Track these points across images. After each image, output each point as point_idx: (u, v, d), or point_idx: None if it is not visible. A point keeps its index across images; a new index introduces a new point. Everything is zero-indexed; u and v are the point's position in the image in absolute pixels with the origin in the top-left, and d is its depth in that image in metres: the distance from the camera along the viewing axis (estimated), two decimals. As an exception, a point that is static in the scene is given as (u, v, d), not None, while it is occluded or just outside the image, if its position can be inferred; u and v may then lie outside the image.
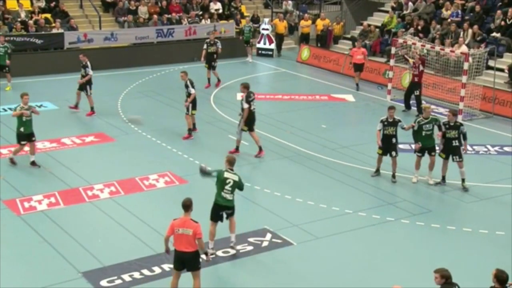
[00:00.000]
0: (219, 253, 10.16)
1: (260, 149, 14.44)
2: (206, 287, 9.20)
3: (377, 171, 13.46)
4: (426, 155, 13.12)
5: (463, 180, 12.82)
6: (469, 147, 14.97)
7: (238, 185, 10.04)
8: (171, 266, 8.98)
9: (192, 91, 15.18)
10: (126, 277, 9.40)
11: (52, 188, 12.43)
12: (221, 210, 10.07)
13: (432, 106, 18.79)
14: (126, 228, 10.93)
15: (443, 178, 13.07)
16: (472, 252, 10.53)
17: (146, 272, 9.53)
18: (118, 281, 9.31)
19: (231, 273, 9.68)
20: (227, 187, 9.92)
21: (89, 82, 16.99)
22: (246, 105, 14.12)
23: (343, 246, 10.64)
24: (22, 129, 13.27)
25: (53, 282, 9.23)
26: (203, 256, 8.65)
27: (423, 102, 17.34)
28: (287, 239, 10.71)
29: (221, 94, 19.82)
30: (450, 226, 11.46)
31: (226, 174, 9.95)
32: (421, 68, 18.01)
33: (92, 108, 17.14)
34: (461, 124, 12.97)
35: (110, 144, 15.01)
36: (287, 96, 19.79)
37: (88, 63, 17.10)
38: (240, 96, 14.83)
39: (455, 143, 12.76)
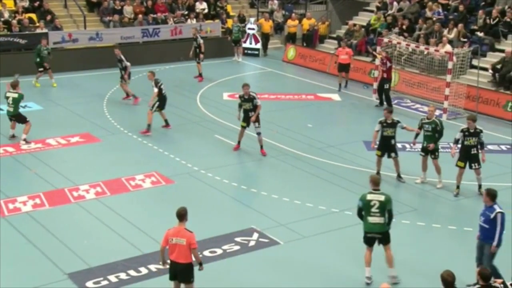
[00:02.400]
0: (206, 252, 10.15)
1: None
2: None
3: (378, 174, 13.30)
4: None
5: (479, 187, 12.57)
6: (452, 145, 15.11)
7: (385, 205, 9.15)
8: (158, 266, 8.94)
9: (155, 90, 15.40)
10: (112, 278, 9.35)
11: (37, 189, 12.34)
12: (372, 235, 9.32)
13: (417, 105, 19.09)
14: (112, 229, 10.88)
15: (458, 187, 12.66)
16: (458, 250, 10.62)
17: (132, 272, 9.50)
18: (104, 282, 9.26)
19: (218, 273, 9.67)
20: (373, 209, 9.15)
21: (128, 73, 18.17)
22: (259, 102, 14.25)
23: (330, 245, 10.67)
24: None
25: (39, 284, 9.16)
26: (198, 267, 8.35)
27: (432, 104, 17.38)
28: (274, 238, 10.72)
29: (207, 93, 19.80)
30: (435, 224, 11.55)
31: (369, 196, 9.26)
32: (388, 64, 18.43)
33: (134, 95, 18.34)
34: (481, 131, 12.40)
35: (96, 145, 14.94)
36: (274, 96, 19.81)
37: (122, 56, 18.06)
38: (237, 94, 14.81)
39: (474, 150, 12.35)
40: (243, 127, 14.49)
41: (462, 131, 12.49)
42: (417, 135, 13.12)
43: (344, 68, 20.83)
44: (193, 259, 8.26)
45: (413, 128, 13.54)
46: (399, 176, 13.29)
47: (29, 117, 16.95)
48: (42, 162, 13.72)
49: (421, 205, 12.46)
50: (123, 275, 9.43)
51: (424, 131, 12.95)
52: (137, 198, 12.25)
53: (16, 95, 14.73)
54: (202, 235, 10.63)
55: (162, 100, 15.62)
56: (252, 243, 10.54)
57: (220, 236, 10.67)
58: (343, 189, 12.87)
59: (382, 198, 9.18)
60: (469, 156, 12.48)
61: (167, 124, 16.02)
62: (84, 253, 10.02)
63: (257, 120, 14.28)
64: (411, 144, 13.73)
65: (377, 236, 9.29)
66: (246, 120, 14.35)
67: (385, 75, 18.56)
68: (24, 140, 14.66)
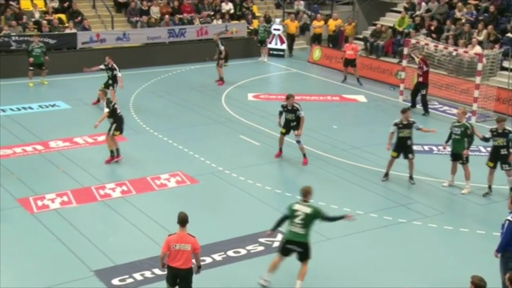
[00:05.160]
0: (230, 253, 10.16)
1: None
2: (216, 287, 9.23)
3: (387, 175, 13.28)
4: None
5: (511, 189, 12.37)
6: (482, 149, 14.91)
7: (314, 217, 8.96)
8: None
9: (105, 110, 13.63)
10: (138, 276, 9.43)
11: (65, 186, 12.50)
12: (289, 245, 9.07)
13: (445, 107, 18.85)
14: (137, 227, 10.97)
15: (489, 187, 12.58)
16: (485, 255, 10.44)
17: (157, 271, 9.53)
18: (130, 280, 9.34)
19: (242, 273, 9.68)
20: (297, 220, 8.95)
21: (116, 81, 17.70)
22: (302, 113, 13.82)
23: (354, 247, 10.60)
24: None
25: (65, 280, 9.28)
26: (195, 269, 8.30)
27: (462, 106, 17.17)
28: (298, 239, 10.67)
29: (233, 94, 19.85)
30: (463, 228, 11.39)
31: (296, 206, 9.05)
32: (425, 68, 18.11)
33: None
34: (510, 132, 12.29)
35: (122, 144, 15.05)
36: (299, 97, 19.62)
37: (115, 65, 17.76)
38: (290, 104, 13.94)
39: (504, 151, 12.25)
40: (283, 134, 14.17)
41: (491, 131, 12.44)
42: (449, 137, 12.84)
43: (349, 63, 21.30)
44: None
45: (429, 128, 13.37)
46: (411, 178, 13.16)
47: (57, 116, 17.26)
48: (70, 160, 13.90)
49: (448, 209, 12.30)
50: (148, 273, 9.50)
51: (453, 135, 12.72)
52: (162, 197, 12.34)
53: None
54: (226, 235, 10.70)
55: (118, 121, 13.79)
56: (276, 244, 10.51)
57: (244, 237, 10.68)
58: (368, 191, 12.78)
59: (308, 210, 8.95)
60: (498, 156, 12.37)
61: (116, 155, 13.94)
62: (110, 251, 10.12)
63: (297, 128, 13.87)
64: (441, 148, 13.49)
65: (298, 249, 8.96)
66: (287, 127, 14.03)
67: (420, 79, 18.17)
68: None
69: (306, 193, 9.14)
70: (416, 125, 12.99)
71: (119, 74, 17.67)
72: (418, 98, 18.32)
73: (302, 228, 8.93)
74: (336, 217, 9.40)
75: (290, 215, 9.05)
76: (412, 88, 18.77)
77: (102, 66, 17.90)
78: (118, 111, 13.93)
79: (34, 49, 19.66)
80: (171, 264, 8.10)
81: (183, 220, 8.10)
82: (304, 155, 14.10)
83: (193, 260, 8.29)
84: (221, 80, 21.01)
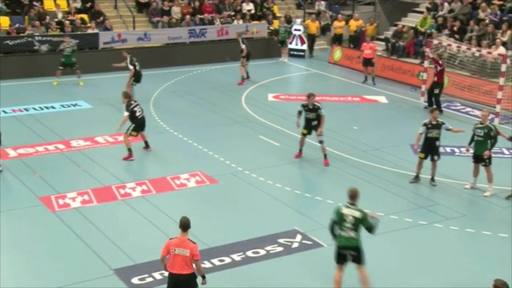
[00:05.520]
0: (249, 253, 10.16)
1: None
2: (235, 287, 9.23)
3: (417, 177, 13.10)
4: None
5: None
6: (506, 151, 14.72)
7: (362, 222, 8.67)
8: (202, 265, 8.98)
9: (125, 113, 13.96)
10: (157, 275, 9.46)
11: (86, 185, 12.60)
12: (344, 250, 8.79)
13: (467, 108, 18.63)
14: (157, 227, 11.02)
15: None
16: (508, 259, 10.29)
17: (176, 270, 9.57)
18: (149, 279, 9.38)
19: (261, 274, 9.67)
20: (346, 224, 8.68)
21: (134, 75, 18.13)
22: (323, 112, 13.76)
23: (374, 249, 10.48)
24: None
25: (85, 279, 9.36)
26: (201, 280, 8.06)
27: (485, 108, 16.99)
28: (317, 240, 10.64)
29: (253, 94, 19.85)
30: (485, 231, 11.23)
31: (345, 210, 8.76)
32: (438, 68, 17.91)
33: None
34: None
35: (142, 143, 15.15)
36: (319, 97, 19.53)
37: (129, 59, 18.20)
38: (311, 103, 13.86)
39: None
40: (304, 135, 14.10)
41: None
42: (472, 139, 12.70)
43: (368, 62, 21.21)
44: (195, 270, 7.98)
45: (459, 128, 13.22)
46: (432, 180, 13.01)
47: (79, 115, 17.43)
48: (91, 160, 14.03)
49: (470, 211, 12.15)
50: (167, 273, 9.51)
51: (476, 136, 12.56)
52: (182, 197, 12.38)
53: None
54: (245, 235, 10.69)
55: (137, 123, 14.05)
56: (295, 245, 10.49)
57: (264, 237, 10.66)
58: (388, 193, 12.67)
59: (357, 214, 8.68)
60: None
61: (147, 146, 14.57)
62: (130, 250, 10.18)
63: (318, 127, 13.80)
64: (464, 150, 13.32)
65: (352, 253, 8.73)
66: (308, 127, 13.95)
67: (435, 79, 18.13)
68: None
69: (354, 196, 8.78)
70: (445, 126, 12.81)
71: (130, 67, 18.08)
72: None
73: (353, 232, 8.66)
74: (374, 227, 8.91)
75: (338, 220, 8.73)
76: (428, 88, 18.64)
77: (128, 62, 18.32)
78: (138, 113, 14.03)
79: (65, 49, 19.90)
80: (172, 270, 7.94)
81: (184, 225, 7.93)
82: (325, 155, 14.03)
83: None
84: (241, 79, 21.03)
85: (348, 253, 8.77)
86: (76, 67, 20.09)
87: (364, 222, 8.70)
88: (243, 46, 20.84)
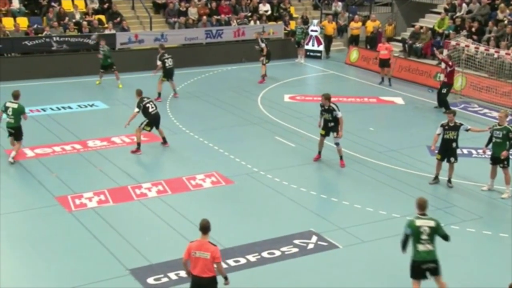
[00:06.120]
0: (265, 254, 10.15)
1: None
2: (251, 287, 9.24)
3: (436, 178, 12.98)
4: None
5: None
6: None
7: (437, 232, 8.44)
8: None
9: (135, 110, 14.41)
10: (172, 275, 9.49)
11: (102, 185, 12.68)
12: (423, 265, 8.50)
13: (485, 110, 18.44)
14: (172, 227, 11.05)
15: None
16: (526, 262, 10.18)
17: (191, 271, 9.59)
18: (165, 279, 9.41)
19: (276, 275, 9.65)
20: (423, 236, 8.39)
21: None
22: (339, 114, 13.65)
23: (390, 250, 10.44)
24: None
25: (102, 278, 9.41)
26: (223, 281, 8.01)
27: (503, 109, 16.83)
28: (333, 242, 10.60)
29: (268, 95, 19.84)
30: (503, 233, 11.11)
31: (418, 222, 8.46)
32: (448, 69, 17.78)
33: (159, 94, 18.67)
34: None
35: (158, 144, 15.22)
36: (335, 98, 19.47)
37: (159, 55, 18.71)
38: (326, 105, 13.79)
39: None
40: (322, 136, 14.02)
41: None
42: (489, 141, 12.59)
43: (384, 63, 21.15)
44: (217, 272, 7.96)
45: (479, 128, 13.05)
46: (449, 181, 12.90)
47: (96, 116, 17.53)
48: (107, 160, 14.11)
49: (487, 213, 12.02)
50: (183, 273, 9.50)
51: (494, 138, 12.43)
52: (198, 198, 12.40)
53: (16, 106, 13.60)
54: (260, 236, 10.68)
55: (151, 118, 14.42)
56: (310, 246, 10.46)
57: (279, 238, 10.65)
58: (404, 194, 12.58)
59: (432, 223, 8.41)
60: None
61: (164, 142, 14.90)
62: (146, 250, 10.22)
63: (336, 130, 13.73)
64: (481, 152, 13.22)
65: (432, 265, 8.45)
66: (326, 128, 13.87)
67: (445, 79, 18.09)
68: (12, 158, 13.57)
69: (424, 206, 8.48)
70: (464, 127, 12.69)
71: (158, 62, 18.60)
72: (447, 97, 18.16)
73: (430, 244, 8.41)
74: (447, 235, 8.73)
75: (414, 233, 8.40)
76: (438, 88, 18.56)
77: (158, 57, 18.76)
78: (151, 109, 14.39)
79: (101, 51, 20.04)
80: (193, 272, 7.94)
81: (204, 228, 7.87)
82: (341, 157, 13.97)
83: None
84: (262, 78, 21.27)
85: (428, 267, 8.48)
86: (114, 68, 20.19)
87: (440, 231, 8.47)
88: (263, 45, 21.05)
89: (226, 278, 8.05)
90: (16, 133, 13.73)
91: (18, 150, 13.78)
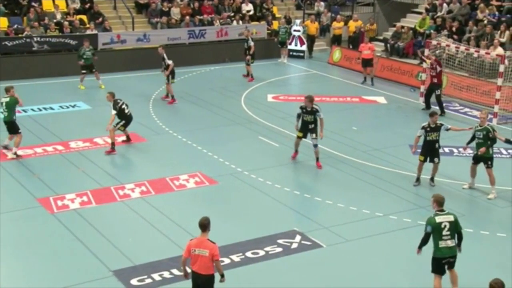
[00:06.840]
0: (249, 254, 10.15)
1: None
2: (235, 287, 9.22)
3: (418, 180, 13.06)
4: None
5: None
6: (504, 151, 14.73)
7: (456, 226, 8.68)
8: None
9: (113, 112, 14.43)
10: (156, 276, 9.46)
11: (85, 187, 12.60)
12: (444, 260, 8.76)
13: (466, 109, 18.64)
14: (156, 228, 11.01)
15: None
16: (506, 258, 10.30)
17: (176, 271, 9.56)
18: (148, 280, 9.38)
19: (260, 275, 9.66)
20: (444, 232, 8.61)
21: (171, 72, 18.37)
22: (322, 115, 13.67)
23: (373, 249, 10.52)
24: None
25: (85, 280, 9.35)
26: (219, 278, 8.07)
27: (484, 109, 17.02)
28: (316, 241, 10.64)
29: (252, 95, 19.85)
30: (483, 231, 11.24)
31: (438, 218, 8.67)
32: (438, 69, 17.99)
33: (172, 97, 18.59)
34: None
35: (141, 144, 15.16)
36: (318, 98, 19.53)
37: (165, 55, 18.43)
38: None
39: None
40: (299, 138, 13.97)
41: None
42: (471, 139, 12.71)
43: (367, 63, 21.31)
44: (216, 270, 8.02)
45: (460, 127, 13.16)
46: (431, 180, 13.03)
47: (78, 116, 17.39)
48: (90, 161, 14.02)
49: (469, 211, 12.15)
50: (166, 274, 9.52)
51: (476, 139, 12.57)
52: (181, 198, 12.37)
53: (8, 99, 13.85)
54: (244, 236, 10.69)
55: (126, 120, 14.71)
56: (294, 246, 10.49)
57: (263, 238, 10.66)
58: (387, 193, 12.68)
59: (451, 218, 8.67)
60: None
61: (128, 139, 15.07)
62: (129, 251, 10.17)
63: (315, 131, 13.76)
64: (462, 150, 13.36)
65: (451, 260, 8.75)
66: (304, 130, 13.82)
67: (435, 80, 18.14)
68: (15, 153, 13.88)
69: (442, 202, 8.74)
70: (444, 127, 12.78)
71: (169, 61, 18.41)
72: (433, 99, 18.19)
73: (451, 240, 8.66)
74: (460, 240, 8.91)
75: (436, 230, 8.60)
76: (426, 90, 18.64)
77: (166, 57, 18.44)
78: (126, 111, 14.71)
79: (85, 52, 19.83)
80: (192, 267, 8.02)
81: (202, 225, 7.97)
82: (317, 159, 13.96)
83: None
84: (249, 76, 21.43)
85: (448, 261, 8.77)
86: (95, 69, 20.01)
87: (458, 226, 8.70)
88: (252, 44, 21.15)
89: (222, 276, 8.13)
90: (9, 127, 13.99)
91: (19, 143, 13.94)
